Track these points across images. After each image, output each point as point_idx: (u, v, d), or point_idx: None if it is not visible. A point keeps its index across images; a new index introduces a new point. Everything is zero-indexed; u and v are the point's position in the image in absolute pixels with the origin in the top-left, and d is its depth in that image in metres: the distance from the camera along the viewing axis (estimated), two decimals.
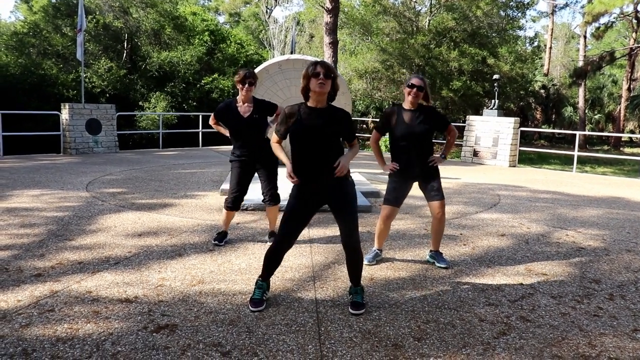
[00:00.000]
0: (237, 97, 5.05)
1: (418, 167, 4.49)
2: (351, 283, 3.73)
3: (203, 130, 16.26)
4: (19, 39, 20.28)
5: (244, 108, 4.97)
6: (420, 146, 4.46)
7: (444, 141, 4.82)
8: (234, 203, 5.09)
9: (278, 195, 5.12)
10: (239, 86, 4.94)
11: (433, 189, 4.55)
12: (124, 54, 22.63)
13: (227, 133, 5.16)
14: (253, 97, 5.07)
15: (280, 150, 3.63)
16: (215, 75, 22.41)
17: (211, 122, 5.21)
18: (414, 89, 4.35)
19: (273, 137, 3.65)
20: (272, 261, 3.66)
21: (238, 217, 6.25)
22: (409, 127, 4.40)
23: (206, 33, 24.37)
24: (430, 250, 4.81)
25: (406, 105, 4.46)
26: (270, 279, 4.05)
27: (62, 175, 9.36)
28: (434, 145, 4.65)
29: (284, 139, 3.58)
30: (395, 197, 4.56)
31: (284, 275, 4.29)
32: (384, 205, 4.59)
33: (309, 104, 3.49)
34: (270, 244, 5.00)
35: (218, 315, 3.47)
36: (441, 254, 4.77)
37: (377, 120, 23.42)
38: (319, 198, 3.54)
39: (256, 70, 8.49)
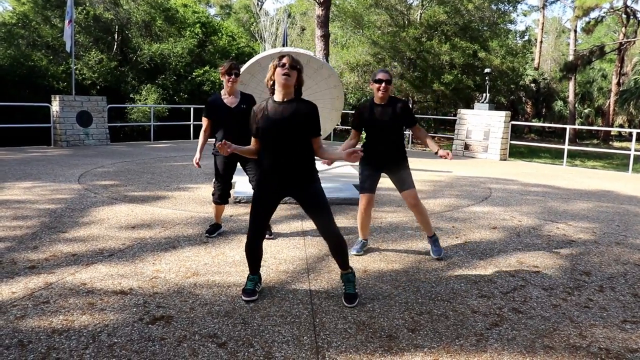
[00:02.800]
0: (222, 91, 5.03)
1: (387, 158, 4.61)
2: (340, 268, 3.73)
3: (194, 122, 16.21)
4: (7, 30, 20.05)
5: (230, 99, 4.96)
6: (390, 139, 4.56)
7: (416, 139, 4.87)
8: (222, 197, 5.10)
9: None
10: (225, 77, 4.91)
11: (402, 179, 4.63)
12: (115, 46, 22.47)
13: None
14: (240, 92, 5.05)
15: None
16: (207, 68, 22.31)
17: (204, 124, 5.08)
18: (382, 84, 4.43)
19: (252, 142, 3.62)
20: (253, 255, 3.66)
21: (231, 210, 6.26)
22: (379, 121, 4.51)
23: (197, 25, 24.23)
24: (428, 237, 4.86)
25: (377, 100, 4.54)
26: (265, 271, 4.08)
27: (54, 167, 9.31)
28: (404, 138, 4.70)
29: (257, 138, 3.54)
30: (370, 185, 4.64)
31: (278, 268, 4.31)
32: (362, 194, 4.67)
33: (275, 98, 3.46)
34: (267, 237, 5.05)
35: (213, 307, 3.49)
36: (437, 240, 4.83)
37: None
38: (284, 190, 3.55)
39: (249, 63, 8.47)
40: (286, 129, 3.39)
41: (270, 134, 3.41)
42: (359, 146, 4.64)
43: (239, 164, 5.09)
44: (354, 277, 3.74)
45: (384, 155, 4.59)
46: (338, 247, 3.60)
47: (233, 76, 4.90)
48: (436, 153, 4.50)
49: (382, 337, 3.14)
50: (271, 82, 3.45)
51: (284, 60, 3.35)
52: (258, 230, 3.58)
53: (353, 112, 29.03)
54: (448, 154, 4.37)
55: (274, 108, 3.42)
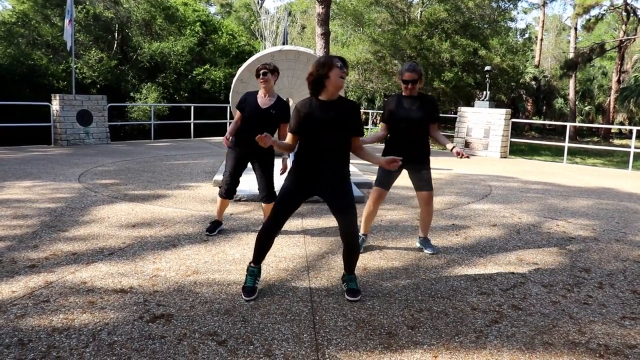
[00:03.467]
0: (260, 91, 5.00)
1: (411, 153, 4.54)
2: (345, 271, 3.78)
3: (195, 121, 16.21)
4: (7, 29, 20.06)
5: (264, 100, 4.91)
6: (416, 132, 4.53)
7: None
8: (228, 193, 5.10)
9: (275, 193, 5.12)
10: (257, 78, 4.94)
11: (423, 179, 4.62)
12: (115, 45, 22.47)
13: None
14: (278, 96, 5.00)
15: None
16: (207, 66, 22.33)
17: (235, 116, 5.06)
18: (409, 84, 4.48)
19: (288, 137, 3.60)
20: (263, 244, 3.67)
21: (232, 208, 6.27)
22: (407, 112, 4.50)
23: (197, 24, 24.24)
24: (420, 237, 4.91)
25: (405, 92, 4.57)
26: (265, 268, 4.09)
27: (54, 166, 9.32)
28: (429, 137, 4.68)
29: (297, 134, 3.51)
30: (387, 181, 4.64)
31: (278, 265, 4.32)
32: (375, 187, 4.67)
33: (321, 97, 3.45)
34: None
35: (213, 305, 3.49)
36: (429, 240, 4.89)
37: (367, 112, 23.54)
38: (315, 187, 3.56)
39: (249, 61, 8.47)
40: (331, 128, 3.41)
41: (315, 133, 3.42)
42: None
43: (249, 163, 5.09)
44: (355, 278, 3.80)
45: (408, 151, 4.52)
46: (353, 251, 3.66)
47: (261, 76, 4.88)
48: (452, 150, 4.43)
49: (381, 334, 3.15)
50: (312, 79, 3.41)
51: (341, 63, 3.36)
52: (279, 221, 3.59)
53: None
54: (464, 154, 4.35)
55: (320, 107, 3.43)
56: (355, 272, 3.98)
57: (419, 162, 4.60)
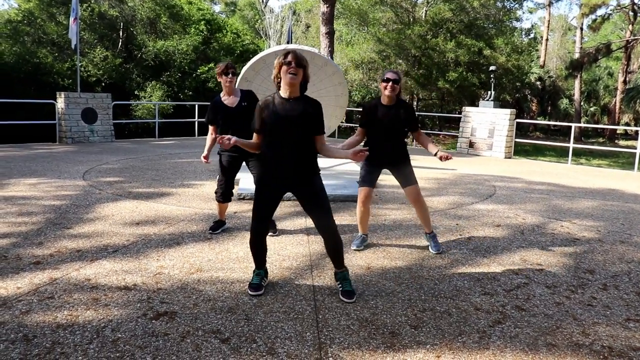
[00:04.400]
0: (222, 93, 5.01)
1: (389, 156, 4.68)
2: (335, 267, 3.76)
3: (199, 119, 16.22)
4: (13, 27, 20.09)
5: (230, 100, 4.95)
6: (393, 138, 4.64)
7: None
8: (224, 196, 5.11)
9: None
10: (222, 78, 4.90)
11: (404, 176, 4.71)
12: (120, 43, 22.50)
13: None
14: (239, 90, 5.04)
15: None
16: (212, 65, 22.30)
17: (211, 130, 5.07)
18: (390, 83, 4.49)
19: (253, 137, 3.64)
20: (257, 249, 3.70)
21: (235, 207, 6.27)
22: (383, 122, 4.57)
23: (202, 22, 24.23)
24: (425, 233, 4.94)
25: (384, 100, 4.60)
26: (268, 267, 4.09)
27: (59, 164, 9.35)
28: (406, 137, 4.77)
29: (259, 133, 3.57)
30: (370, 179, 4.74)
31: (282, 264, 4.32)
32: (361, 188, 4.75)
33: (281, 94, 3.49)
34: (271, 234, 5.06)
35: (217, 303, 3.50)
36: (435, 236, 4.92)
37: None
38: (286, 186, 3.58)
39: (253, 60, 8.47)
40: (291, 126, 3.42)
41: (275, 130, 3.44)
42: (361, 145, 4.67)
43: (244, 163, 5.10)
44: (348, 274, 3.79)
45: (385, 154, 4.66)
46: (334, 245, 3.63)
47: (230, 76, 4.88)
48: (435, 154, 4.52)
49: (384, 333, 3.15)
50: (278, 80, 3.47)
51: (290, 58, 3.36)
52: (261, 225, 3.60)
53: (358, 109, 29.11)
54: (448, 156, 4.41)
55: (281, 104, 3.45)
56: (359, 271, 3.99)
57: (398, 162, 4.71)
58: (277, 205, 3.66)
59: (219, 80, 4.98)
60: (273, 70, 3.49)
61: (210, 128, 5.08)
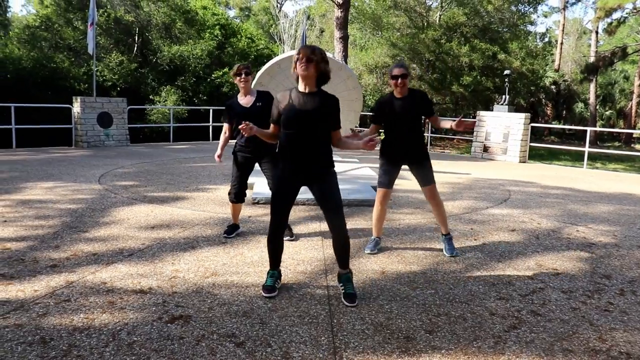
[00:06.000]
0: (239, 94, 5.08)
1: (407, 150, 4.71)
2: (339, 267, 3.77)
3: (213, 124, 16.31)
4: (31, 33, 20.39)
5: (246, 99, 5.01)
6: (410, 130, 4.65)
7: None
8: (237, 196, 5.14)
9: None
10: (237, 79, 4.97)
11: (423, 174, 4.75)
12: (135, 48, 22.71)
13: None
14: (256, 91, 5.10)
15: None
16: (226, 70, 22.43)
17: (224, 128, 5.15)
18: (399, 79, 4.54)
19: (270, 127, 3.73)
20: (274, 248, 3.75)
21: (250, 211, 6.29)
22: (400, 114, 4.60)
23: (217, 27, 24.42)
24: (442, 234, 4.96)
25: (397, 94, 4.64)
26: (283, 271, 4.10)
27: (75, 168, 9.44)
28: (423, 131, 4.77)
29: (276, 124, 3.66)
30: (388, 180, 4.77)
31: (296, 268, 4.33)
32: (379, 188, 4.80)
33: (299, 88, 3.56)
34: (288, 238, 5.08)
35: (231, 307, 3.51)
36: (451, 238, 4.94)
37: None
38: (301, 180, 3.63)
39: (268, 65, 8.51)
40: (308, 120, 3.49)
41: (290, 122, 3.51)
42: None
43: (257, 165, 5.12)
44: (352, 277, 3.81)
45: (403, 148, 4.69)
46: (343, 244, 3.66)
47: (243, 75, 4.95)
48: (452, 127, 4.54)
49: (399, 338, 3.14)
50: (296, 75, 3.55)
51: (301, 53, 3.45)
52: (279, 222, 3.66)
53: (371, 114, 29.25)
54: (465, 123, 4.46)
55: (298, 98, 3.53)
56: (373, 275, 3.98)
57: (417, 158, 4.74)
58: (294, 199, 3.70)
59: (235, 82, 5.04)
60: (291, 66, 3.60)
61: (225, 127, 5.15)
